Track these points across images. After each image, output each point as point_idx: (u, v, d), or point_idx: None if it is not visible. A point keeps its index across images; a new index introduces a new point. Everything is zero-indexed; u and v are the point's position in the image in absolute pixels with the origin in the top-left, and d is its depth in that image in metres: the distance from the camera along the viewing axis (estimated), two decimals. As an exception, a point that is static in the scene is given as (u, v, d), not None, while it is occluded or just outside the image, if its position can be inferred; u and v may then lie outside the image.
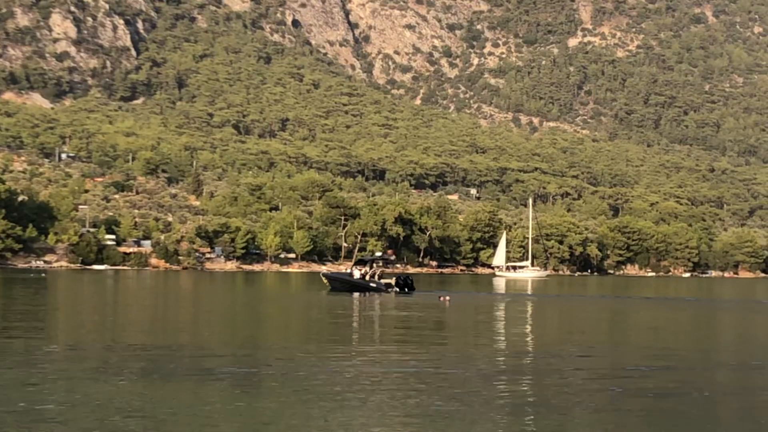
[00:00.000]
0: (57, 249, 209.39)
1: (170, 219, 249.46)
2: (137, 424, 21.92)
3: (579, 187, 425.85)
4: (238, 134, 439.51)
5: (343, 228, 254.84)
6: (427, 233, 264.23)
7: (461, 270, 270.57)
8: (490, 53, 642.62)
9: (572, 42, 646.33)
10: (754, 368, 36.26)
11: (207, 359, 34.74)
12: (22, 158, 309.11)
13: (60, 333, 46.96)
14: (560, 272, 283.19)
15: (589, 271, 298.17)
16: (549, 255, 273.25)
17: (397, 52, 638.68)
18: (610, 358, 38.19)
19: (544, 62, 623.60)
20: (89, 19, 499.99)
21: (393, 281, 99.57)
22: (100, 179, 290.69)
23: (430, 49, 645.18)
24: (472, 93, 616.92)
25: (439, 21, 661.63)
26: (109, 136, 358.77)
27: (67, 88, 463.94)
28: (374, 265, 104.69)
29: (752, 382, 32.43)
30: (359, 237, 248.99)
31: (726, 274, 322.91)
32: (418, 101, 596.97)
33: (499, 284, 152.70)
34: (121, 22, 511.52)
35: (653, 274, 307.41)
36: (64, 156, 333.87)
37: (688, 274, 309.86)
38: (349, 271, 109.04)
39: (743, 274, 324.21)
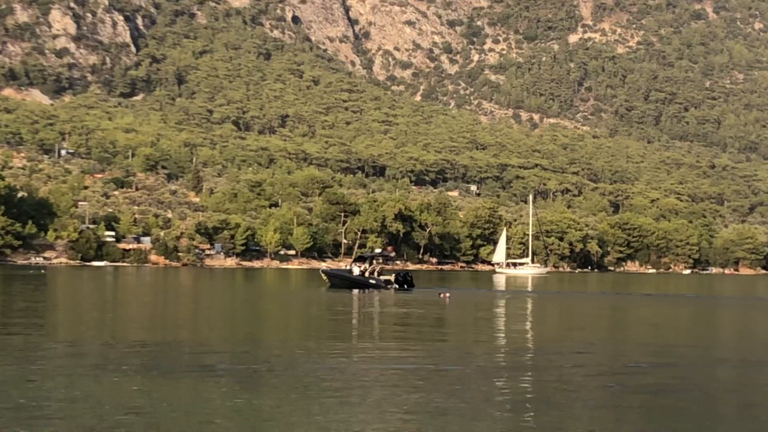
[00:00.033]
0: (56, 245, 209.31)
1: (170, 215, 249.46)
2: (136, 421, 21.88)
3: (579, 184, 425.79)
4: (238, 130, 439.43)
5: (343, 224, 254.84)
6: (427, 230, 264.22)
7: (461, 267, 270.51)
8: (491, 49, 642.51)
9: (572, 38, 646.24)
10: (755, 365, 36.23)
11: (206, 356, 34.71)
12: (22, 154, 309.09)
13: (59, 329, 46.92)
14: (560, 269, 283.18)
15: (589, 267, 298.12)
16: (549, 252, 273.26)
17: (397, 49, 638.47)
18: (610, 355, 38.16)
19: (544, 58, 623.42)
20: (89, 15, 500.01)
21: (392, 278, 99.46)
22: (99, 175, 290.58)
23: (430, 45, 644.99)
24: (472, 89, 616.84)
25: (440, 17, 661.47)
26: (108, 132, 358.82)
27: (67, 85, 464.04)
28: (374, 261, 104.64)
29: (752, 378, 32.39)
30: (359, 234, 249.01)
31: (726, 271, 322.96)
32: (418, 97, 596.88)
33: (499, 281, 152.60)
34: (121, 18, 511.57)
35: (653, 270, 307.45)
36: (63, 152, 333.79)
37: (688, 271, 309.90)
38: (348, 267, 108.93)
39: (744, 270, 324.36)
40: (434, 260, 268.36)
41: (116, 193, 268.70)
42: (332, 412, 23.33)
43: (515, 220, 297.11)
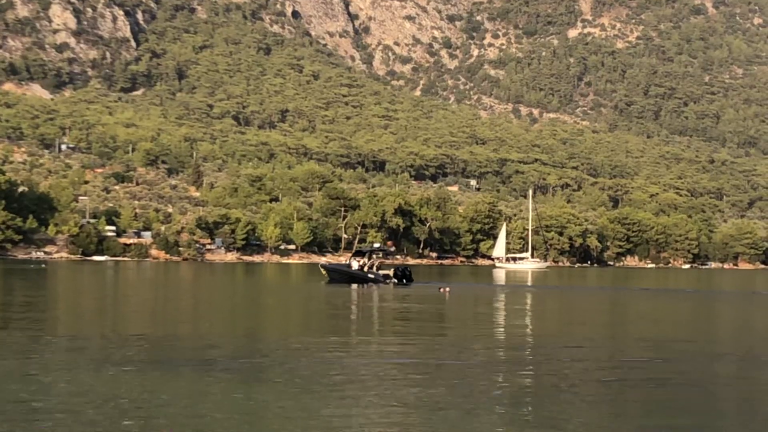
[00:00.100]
0: (57, 240, 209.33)
1: (170, 210, 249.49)
2: (137, 414, 21.97)
3: (579, 179, 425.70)
4: (238, 125, 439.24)
5: (343, 219, 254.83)
6: (427, 224, 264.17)
7: (461, 261, 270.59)
8: (490, 44, 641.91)
9: (572, 33, 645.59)
10: (753, 359, 36.33)
11: (207, 350, 34.81)
12: (22, 149, 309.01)
13: (60, 324, 47.02)
14: (560, 264, 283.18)
15: (588, 262, 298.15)
16: (549, 246, 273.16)
17: (397, 43, 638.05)
18: (610, 349, 38.26)
19: (544, 53, 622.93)
20: (89, 10, 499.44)
21: (391, 272, 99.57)
22: (100, 170, 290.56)
23: (430, 40, 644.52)
24: (472, 84, 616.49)
25: (439, 12, 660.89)
26: (109, 127, 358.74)
27: (67, 79, 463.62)
28: (373, 256, 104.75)
29: (751, 372, 32.49)
30: (359, 228, 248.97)
31: (726, 266, 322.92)
32: (418, 92, 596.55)
33: (499, 275, 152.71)
34: (121, 13, 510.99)
35: (653, 265, 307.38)
36: (64, 147, 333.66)
37: (687, 266, 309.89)
38: (347, 262, 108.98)
39: (743, 265, 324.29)
40: (434, 255, 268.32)
41: (117, 187, 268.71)
42: (332, 406, 23.42)
43: (515, 215, 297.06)
